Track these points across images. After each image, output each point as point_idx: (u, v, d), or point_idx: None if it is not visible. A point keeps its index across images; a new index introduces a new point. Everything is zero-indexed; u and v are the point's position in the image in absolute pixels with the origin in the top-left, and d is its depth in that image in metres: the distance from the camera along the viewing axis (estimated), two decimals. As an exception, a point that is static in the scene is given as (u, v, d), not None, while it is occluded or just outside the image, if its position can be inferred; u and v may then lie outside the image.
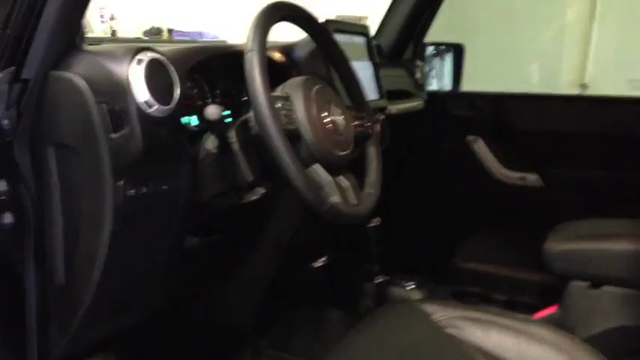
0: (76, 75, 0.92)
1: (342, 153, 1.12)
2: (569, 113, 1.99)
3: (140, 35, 4.62)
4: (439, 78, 2.38)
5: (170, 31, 4.51)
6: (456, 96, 2.16)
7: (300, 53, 1.35)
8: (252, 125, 1.04)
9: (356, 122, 1.22)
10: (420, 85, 2.03)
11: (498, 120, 2.06)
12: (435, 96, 2.12)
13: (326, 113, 1.11)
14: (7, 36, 0.89)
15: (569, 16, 3.46)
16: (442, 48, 2.37)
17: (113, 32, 4.76)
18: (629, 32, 3.12)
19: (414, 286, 1.66)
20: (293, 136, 1.03)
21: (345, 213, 1.05)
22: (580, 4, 3.43)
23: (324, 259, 1.62)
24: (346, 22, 1.55)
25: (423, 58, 2.15)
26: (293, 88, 1.09)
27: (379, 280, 1.66)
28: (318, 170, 1.06)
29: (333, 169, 1.10)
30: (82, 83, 0.91)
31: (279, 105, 1.03)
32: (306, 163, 1.05)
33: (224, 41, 4.41)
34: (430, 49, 2.30)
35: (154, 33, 4.55)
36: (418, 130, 2.09)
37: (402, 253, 1.76)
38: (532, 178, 1.97)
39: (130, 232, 1.00)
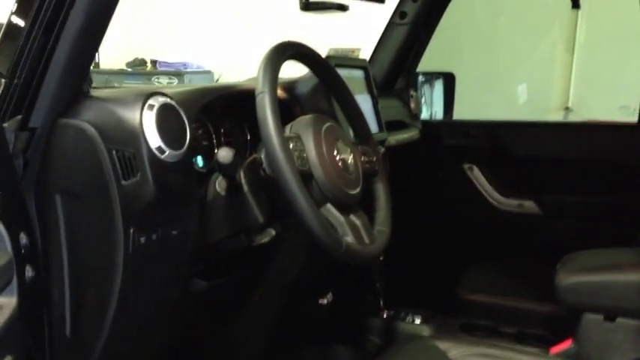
0: (85, 122, 0.90)
1: (352, 192, 1.10)
2: (564, 140, 2.01)
3: (123, 67, 4.60)
4: (430, 107, 2.40)
5: (154, 62, 4.50)
6: (449, 124, 2.18)
7: (303, 89, 1.34)
8: (263, 167, 1.02)
9: (363, 158, 1.21)
10: (414, 115, 2.03)
11: (493, 147, 2.07)
12: (429, 125, 2.13)
13: (336, 152, 1.10)
14: (14, 85, 0.87)
15: (550, 43, 3.53)
16: (433, 77, 2.40)
17: (96, 64, 4.74)
18: (614, 58, 3.18)
19: (421, 321, 1.64)
20: (305, 177, 1.01)
21: (360, 253, 1.04)
22: (560, 31, 3.50)
23: (328, 295, 1.60)
24: (345, 57, 1.55)
25: (416, 87, 2.17)
26: (303, 127, 1.08)
27: (385, 315, 1.64)
28: (330, 210, 1.05)
29: (345, 208, 1.08)
30: (91, 130, 0.89)
31: (292, 146, 1.01)
32: (318, 203, 1.03)
33: (208, 71, 4.41)
34: (420, 78, 2.32)
35: (138, 64, 4.54)
36: (414, 159, 2.09)
37: (405, 286, 1.75)
38: (529, 205, 1.98)
39: (139, 279, 0.98)
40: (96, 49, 0.94)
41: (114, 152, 0.89)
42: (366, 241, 1.08)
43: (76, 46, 0.89)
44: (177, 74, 4.24)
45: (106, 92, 0.98)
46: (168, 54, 4.52)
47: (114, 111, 0.91)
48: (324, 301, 1.59)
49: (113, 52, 4.77)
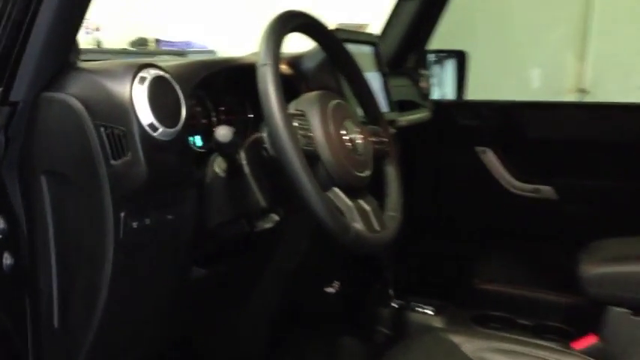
0: (71, 96, 0.82)
1: (362, 174, 1.03)
2: (582, 121, 1.92)
3: (126, 46, 4.52)
4: (441, 86, 2.31)
5: (157, 41, 4.41)
6: (461, 105, 2.08)
7: (309, 65, 1.26)
8: (266, 147, 0.94)
9: (373, 139, 1.13)
10: (425, 95, 1.94)
11: (507, 130, 1.98)
12: (440, 105, 2.04)
13: (344, 131, 1.02)
14: (-8, 54, 0.79)
15: (565, 22, 3.41)
16: (444, 55, 2.30)
17: (98, 44, 4.66)
18: (631, 37, 3.07)
19: (432, 312, 1.56)
20: (310, 158, 0.93)
21: (370, 240, 0.96)
22: (575, 10, 3.38)
23: (335, 283, 1.53)
24: (354, 31, 1.47)
25: (426, 66, 2.07)
26: (308, 104, 1.00)
27: (394, 304, 1.57)
28: (338, 194, 0.97)
29: (353, 192, 1.01)
30: (77, 105, 0.81)
31: (296, 124, 0.93)
32: (324, 187, 0.95)
33: (211, 51, 4.32)
34: (431, 57, 2.23)
35: (141, 44, 4.45)
36: (424, 141, 2.01)
37: (416, 275, 1.67)
38: (546, 190, 1.89)
39: (131, 267, 0.91)
40: (83, 15, 0.86)
41: (102, 129, 0.81)
42: (376, 227, 1.01)
43: (60, 12, 0.81)
44: (180, 54, 4.16)
45: (96, 64, 0.90)
46: (172, 33, 4.43)
47: (102, 84, 0.83)
48: (331, 290, 1.52)
49: (116, 30, 4.70)
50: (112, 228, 0.84)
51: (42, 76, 0.83)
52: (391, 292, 1.58)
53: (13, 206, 0.83)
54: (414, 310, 1.58)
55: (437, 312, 1.57)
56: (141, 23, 4.58)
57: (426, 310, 1.58)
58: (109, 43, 4.69)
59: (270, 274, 1.27)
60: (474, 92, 2.34)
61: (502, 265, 1.74)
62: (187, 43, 4.27)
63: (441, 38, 2.14)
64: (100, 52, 4.41)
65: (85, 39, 4.69)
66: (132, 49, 4.44)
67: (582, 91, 3.48)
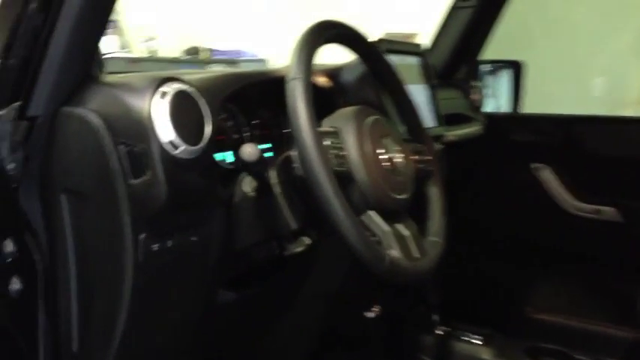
0: (91, 111, 0.78)
1: (400, 197, 0.95)
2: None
3: (180, 55, 4.57)
4: (494, 99, 2.19)
5: (209, 50, 4.44)
6: (516, 119, 1.96)
7: (348, 77, 1.19)
8: (296, 166, 0.88)
9: (415, 157, 1.05)
10: (476, 108, 1.84)
11: (566, 145, 1.84)
12: (493, 119, 1.92)
13: (382, 150, 0.94)
14: (9, 66, 0.76)
15: (630, 30, 3.23)
16: (498, 66, 2.19)
17: (153, 52, 4.73)
18: None
19: (481, 341, 1.46)
20: (344, 179, 0.87)
21: (407, 269, 0.89)
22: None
23: (376, 307, 1.44)
24: (398, 42, 1.39)
25: (478, 77, 1.97)
26: (343, 121, 0.93)
27: (439, 331, 1.47)
28: (373, 218, 0.90)
29: (390, 216, 0.93)
30: (96, 121, 0.77)
31: (328, 142, 0.87)
32: (358, 210, 0.88)
33: (262, 60, 4.31)
34: (484, 68, 2.12)
35: (194, 52, 4.49)
36: (475, 157, 1.90)
37: (463, 300, 1.57)
38: (609, 212, 1.75)
39: (153, 291, 0.86)
40: (105, 25, 0.82)
41: (121, 147, 0.77)
42: (415, 254, 0.93)
43: (80, 21, 0.78)
44: (232, 62, 4.16)
45: (118, 77, 0.87)
46: (224, 42, 4.45)
47: (122, 99, 0.79)
48: (371, 315, 1.44)
49: (171, 40, 4.78)
50: (130, 250, 0.79)
51: (61, 89, 0.79)
52: (436, 317, 1.48)
53: (25, 228, 0.80)
54: (460, 339, 1.48)
55: (485, 342, 1.46)
56: (195, 33, 4.63)
57: (473, 340, 1.47)
58: (163, 52, 4.77)
59: (305, 297, 1.21)
60: (530, 104, 2.22)
61: (559, 292, 1.61)
62: (239, 52, 4.28)
63: (494, 48, 2.04)
64: (153, 61, 4.48)
65: (140, 47, 4.79)
66: (184, 58, 4.48)
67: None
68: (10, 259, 0.70)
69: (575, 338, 1.43)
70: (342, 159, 0.88)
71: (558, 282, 1.65)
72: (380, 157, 0.93)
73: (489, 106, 2.10)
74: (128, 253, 0.80)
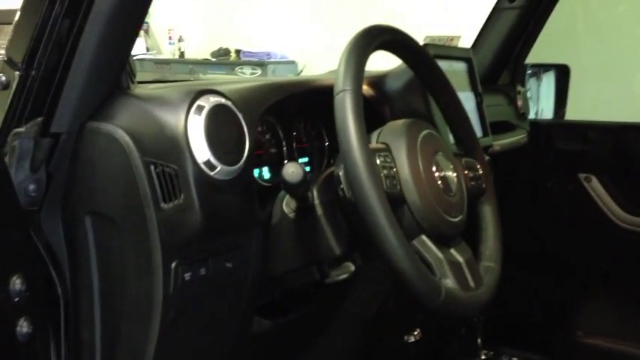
0: (119, 127, 0.71)
1: (455, 219, 0.86)
2: None
3: (208, 57, 4.53)
4: (538, 104, 2.09)
5: (238, 51, 4.39)
6: (562, 126, 1.86)
7: (394, 86, 1.11)
8: (342, 187, 0.80)
9: (467, 174, 0.96)
10: (522, 115, 1.74)
11: (616, 155, 1.74)
12: (538, 126, 1.82)
13: (435, 168, 0.86)
14: (31, 77, 0.69)
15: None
16: (542, 70, 2.08)
17: (182, 54, 4.71)
18: None
19: (527, 367, 1.37)
20: (394, 201, 0.78)
21: (464, 301, 0.80)
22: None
23: (416, 331, 1.36)
24: (444, 46, 1.30)
25: (523, 82, 1.87)
26: (394, 136, 0.85)
27: (483, 356, 1.38)
28: (426, 244, 0.82)
29: (444, 241, 0.85)
30: (125, 138, 0.70)
31: (379, 161, 0.79)
32: (410, 235, 0.80)
33: (291, 61, 4.25)
34: (528, 71, 2.02)
35: (222, 54, 4.45)
36: (519, 167, 1.80)
37: (508, 322, 1.47)
38: (662, 226, 1.64)
39: (184, 322, 0.79)
40: (136, 33, 0.75)
41: (152, 167, 0.70)
42: (471, 284, 0.84)
43: (109, 29, 0.70)
44: (261, 64, 4.11)
45: (151, 89, 0.80)
46: (253, 43, 4.39)
47: (154, 114, 0.72)
48: (411, 339, 1.35)
49: (199, 41, 4.74)
50: (160, 280, 0.72)
51: (88, 103, 0.72)
52: (479, 341, 1.39)
53: (47, 255, 0.73)
54: (504, 363, 1.39)
55: (532, 367, 1.37)
56: (223, 34, 4.58)
57: (519, 364, 1.39)
58: (191, 54, 4.74)
59: (342, 322, 1.13)
60: (572, 110, 2.12)
61: (610, 314, 1.50)
62: (268, 54, 4.21)
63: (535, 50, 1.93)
64: (181, 62, 4.45)
65: (168, 49, 4.76)
66: (213, 59, 4.44)
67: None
68: (17, 299, 0.62)
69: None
70: (393, 179, 0.80)
71: (609, 302, 1.54)
72: (433, 175, 0.85)
73: (532, 113, 2.00)
74: (158, 283, 0.73)
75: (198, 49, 4.73)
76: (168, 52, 4.77)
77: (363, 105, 0.76)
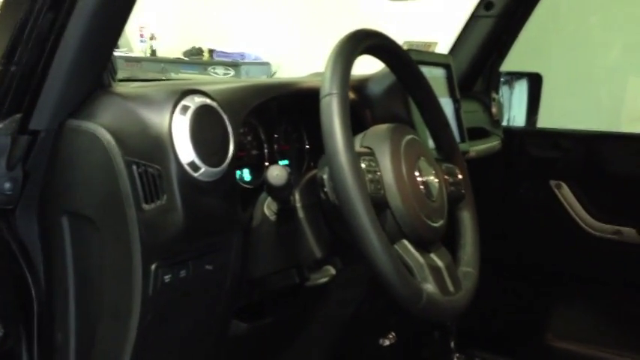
0: (100, 126, 0.69)
1: (435, 224, 0.87)
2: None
3: (180, 55, 4.48)
4: (510, 111, 2.12)
5: (211, 51, 4.35)
6: (535, 133, 1.89)
7: (376, 90, 1.11)
8: (325, 190, 0.80)
9: (447, 179, 0.96)
10: (496, 122, 1.77)
11: (588, 163, 1.77)
12: (510, 133, 1.85)
13: (417, 173, 0.86)
14: (11, 73, 0.67)
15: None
16: (515, 78, 2.12)
17: (153, 52, 4.65)
18: None
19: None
20: (378, 205, 0.78)
21: (444, 306, 0.80)
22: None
23: (391, 334, 1.36)
24: (426, 52, 1.31)
25: (498, 90, 1.89)
26: (378, 140, 0.85)
27: (456, 359, 1.39)
28: (407, 248, 0.82)
29: (424, 245, 0.85)
30: (106, 137, 0.69)
31: (363, 165, 0.78)
32: (392, 239, 0.80)
33: (265, 63, 4.23)
34: (502, 79, 2.05)
35: (195, 53, 4.40)
36: (492, 173, 1.82)
37: (480, 325, 1.48)
38: (629, 233, 1.67)
39: (162, 324, 0.78)
40: (120, 30, 0.73)
41: (134, 167, 0.69)
42: (451, 289, 0.84)
43: (93, 25, 0.69)
44: (234, 65, 4.08)
45: (133, 87, 0.78)
46: (226, 43, 4.36)
47: (137, 113, 0.70)
48: (386, 342, 1.36)
49: (171, 40, 4.68)
50: (140, 283, 0.71)
51: (68, 101, 0.71)
52: (453, 344, 1.40)
53: (21, 256, 0.71)
54: (478, 367, 1.40)
55: (504, 370, 1.39)
56: (196, 33, 4.54)
57: (492, 368, 1.40)
58: (163, 52, 4.68)
59: (319, 325, 1.12)
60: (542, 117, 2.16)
61: (579, 318, 1.53)
62: (241, 55, 4.19)
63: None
64: (153, 61, 4.39)
65: (139, 46, 4.69)
66: (185, 58, 4.39)
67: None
68: None
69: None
70: (377, 183, 0.80)
71: (579, 307, 1.57)
72: (416, 180, 0.85)
73: (505, 119, 2.03)
74: (137, 285, 0.71)
75: (170, 48, 4.67)
76: (139, 50, 4.70)
77: (349, 109, 0.76)
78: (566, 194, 1.78)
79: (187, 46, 4.48)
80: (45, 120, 0.70)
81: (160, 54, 4.64)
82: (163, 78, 1.10)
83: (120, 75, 0.79)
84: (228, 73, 4.11)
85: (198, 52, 4.37)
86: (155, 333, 0.76)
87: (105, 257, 0.72)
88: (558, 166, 1.80)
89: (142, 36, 4.66)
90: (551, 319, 1.51)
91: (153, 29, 4.63)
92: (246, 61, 4.15)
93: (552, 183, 1.80)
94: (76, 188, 0.72)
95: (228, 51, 4.24)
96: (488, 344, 1.48)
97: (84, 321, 0.75)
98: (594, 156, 1.78)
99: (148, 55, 4.60)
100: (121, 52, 4.62)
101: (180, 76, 3.94)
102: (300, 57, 3.77)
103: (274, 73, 4.18)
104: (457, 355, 1.40)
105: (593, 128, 2.02)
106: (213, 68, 4.15)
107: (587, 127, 2.04)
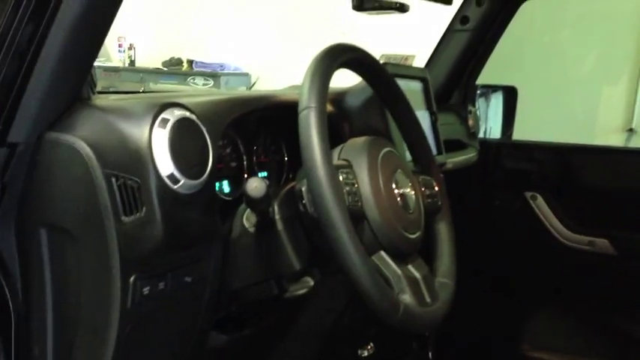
0: (79, 139, 0.69)
1: (412, 236, 0.88)
2: (645, 169, 1.74)
3: (159, 66, 4.47)
4: (486, 124, 2.15)
5: (190, 62, 4.35)
6: (510, 146, 1.92)
7: (353, 103, 1.12)
8: (304, 203, 0.80)
9: (424, 191, 0.98)
10: (473, 134, 1.79)
11: (562, 175, 1.81)
12: (486, 145, 1.88)
13: (394, 185, 0.87)
14: (-12, 85, 0.67)
15: (615, 59, 3.25)
16: (491, 91, 2.15)
17: (132, 62, 4.63)
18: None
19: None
20: (355, 217, 0.79)
21: (421, 316, 0.81)
22: (628, 45, 3.21)
23: (371, 345, 1.37)
24: (403, 66, 1.33)
25: (474, 102, 1.92)
26: (355, 153, 0.86)
27: (434, 370, 1.41)
28: (384, 259, 0.83)
29: (402, 257, 0.86)
30: (85, 150, 0.69)
31: (341, 178, 0.80)
32: (369, 250, 0.81)
33: (245, 73, 4.23)
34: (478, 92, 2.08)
35: (174, 64, 4.39)
36: (468, 185, 1.84)
37: (457, 337, 1.50)
38: (602, 244, 1.71)
39: (140, 336, 0.78)
40: (100, 43, 0.74)
41: (113, 180, 0.69)
42: (428, 300, 0.85)
43: (73, 37, 0.69)
44: (214, 75, 4.08)
45: (112, 100, 0.78)
46: (206, 54, 4.36)
47: (116, 126, 0.71)
48: (365, 353, 1.36)
49: (150, 50, 4.67)
50: (118, 295, 0.71)
51: (47, 113, 0.71)
52: (430, 354, 1.41)
53: (2, 262, 0.70)
54: (456, 379, 1.42)
55: (481, 381, 1.40)
56: (174, 43, 4.53)
57: (469, 379, 1.41)
58: (142, 62, 4.66)
59: (298, 336, 1.13)
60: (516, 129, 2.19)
61: (554, 329, 1.56)
62: (221, 65, 4.19)
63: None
64: (131, 70, 4.37)
65: (118, 56, 4.67)
66: (165, 69, 4.38)
67: (631, 131, 3.29)
68: None
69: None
70: (355, 195, 0.81)
71: (554, 317, 1.59)
72: (393, 192, 0.86)
73: (481, 132, 2.06)
74: (115, 298, 0.71)
75: (149, 58, 4.65)
76: (117, 60, 4.68)
77: (326, 123, 0.77)
78: (540, 206, 1.81)
79: (166, 57, 4.47)
80: (24, 132, 0.70)
81: (138, 64, 4.63)
82: (142, 89, 1.10)
83: (98, 85, 0.80)
84: (208, 84, 4.11)
85: (178, 62, 4.37)
86: (133, 345, 0.76)
87: (83, 269, 0.72)
88: (533, 178, 1.83)
89: (120, 46, 4.65)
90: (527, 329, 1.53)
91: (131, 39, 4.62)
92: (225, 71, 4.16)
93: (527, 194, 1.83)
94: (55, 200, 0.71)
95: (208, 61, 4.24)
96: (466, 355, 1.49)
97: (62, 333, 0.75)
98: (569, 168, 1.82)
99: (127, 65, 4.58)
100: (99, 61, 4.59)
101: (159, 87, 3.93)
102: (280, 68, 3.80)
103: (254, 83, 4.19)
104: (435, 364, 1.41)
105: (568, 140, 2.07)
106: (193, 79, 4.15)
107: (561, 140, 2.09)
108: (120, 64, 4.57)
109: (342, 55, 0.85)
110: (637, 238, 1.70)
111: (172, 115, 0.71)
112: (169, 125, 0.70)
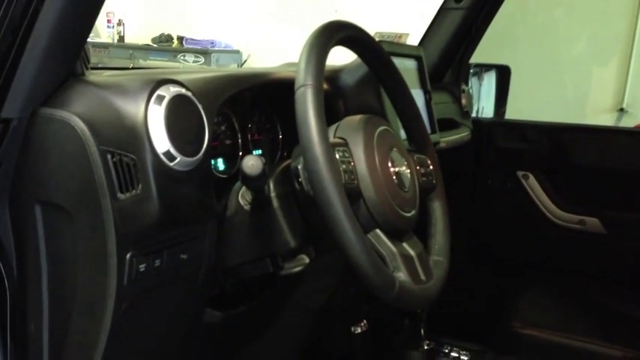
0: (74, 114, 0.69)
1: (408, 214, 0.88)
2: (636, 149, 1.75)
3: (149, 42, 4.42)
4: (479, 103, 2.15)
5: (180, 38, 4.30)
6: (503, 125, 1.92)
7: (349, 80, 1.12)
8: (300, 180, 0.80)
9: (419, 170, 0.98)
10: (466, 113, 1.79)
11: (553, 154, 1.81)
12: (479, 124, 1.88)
13: (390, 164, 0.87)
14: (-19, 61, 0.66)
15: (607, 39, 3.25)
16: (484, 70, 2.15)
17: (121, 38, 4.57)
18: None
19: (467, 357, 1.41)
20: (351, 195, 0.79)
21: (416, 294, 0.82)
22: (620, 25, 3.21)
23: (364, 323, 1.38)
24: (397, 44, 1.32)
25: (467, 81, 1.92)
26: (351, 131, 0.86)
27: (425, 346, 1.42)
28: (380, 237, 0.83)
29: (397, 235, 0.86)
30: (80, 125, 0.68)
31: (337, 156, 0.79)
32: (365, 228, 0.81)
33: (236, 51, 4.20)
34: (471, 71, 2.08)
35: (164, 40, 4.35)
36: (460, 163, 1.85)
37: (449, 313, 1.51)
38: (593, 223, 1.73)
39: (136, 313, 0.77)
40: (94, 17, 0.72)
41: (109, 156, 0.68)
42: (422, 277, 0.86)
43: (67, 11, 0.68)
44: (204, 52, 4.04)
45: (107, 76, 0.77)
46: (196, 31, 4.31)
47: (112, 102, 0.70)
48: (357, 330, 1.38)
49: (139, 26, 4.61)
50: (114, 272, 0.71)
51: (41, 89, 0.70)
52: (422, 332, 1.43)
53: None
54: (446, 355, 1.43)
55: (472, 357, 1.42)
56: (164, 19, 4.48)
57: (460, 355, 1.43)
58: (131, 38, 4.60)
59: (292, 313, 1.13)
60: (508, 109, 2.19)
61: (545, 306, 1.57)
62: (211, 42, 4.15)
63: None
64: (120, 47, 4.32)
65: (106, 32, 4.61)
66: (154, 45, 4.33)
67: (621, 110, 3.31)
68: None
69: (563, 355, 1.40)
70: (351, 174, 0.81)
71: (545, 295, 1.61)
72: (389, 171, 0.86)
73: (474, 111, 2.05)
74: (112, 275, 0.71)
75: (139, 34, 4.60)
76: (105, 36, 4.62)
77: (323, 100, 0.76)
78: (532, 185, 1.82)
79: (156, 33, 4.42)
80: (17, 108, 0.69)
81: (127, 40, 4.57)
82: (131, 66, 1.09)
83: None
84: (198, 61, 4.07)
85: (168, 38, 4.32)
86: (129, 321, 0.76)
87: (79, 247, 0.72)
88: (525, 157, 1.84)
89: (109, 21, 4.58)
90: (519, 306, 1.54)
91: (120, 15, 4.56)
92: (216, 48, 4.12)
93: (519, 174, 1.84)
94: (50, 177, 0.71)
95: (198, 38, 4.19)
96: (457, 331, 1.51)
97: (57, 311, 0.75)
98: (560, 147, 1.83)
99: (116, 41, 4.53)
100: (87, 37, 4.53)
101: (151, 63, 3.89)
102: (271, 45, 3.76)
103: (245, 61, 4.15)
104: (427, 342, 1.43)
105: (559, 120, 2.08)
106: (183, 56, 4.11)
107: (553, 119, 2.09)
108: (109, 40, 4.51)
109: (338, 33, 0.84)
110: (627, 217, 1.72)
111: (168, 91, 0.71)
112: (165, 102, 0.70)
